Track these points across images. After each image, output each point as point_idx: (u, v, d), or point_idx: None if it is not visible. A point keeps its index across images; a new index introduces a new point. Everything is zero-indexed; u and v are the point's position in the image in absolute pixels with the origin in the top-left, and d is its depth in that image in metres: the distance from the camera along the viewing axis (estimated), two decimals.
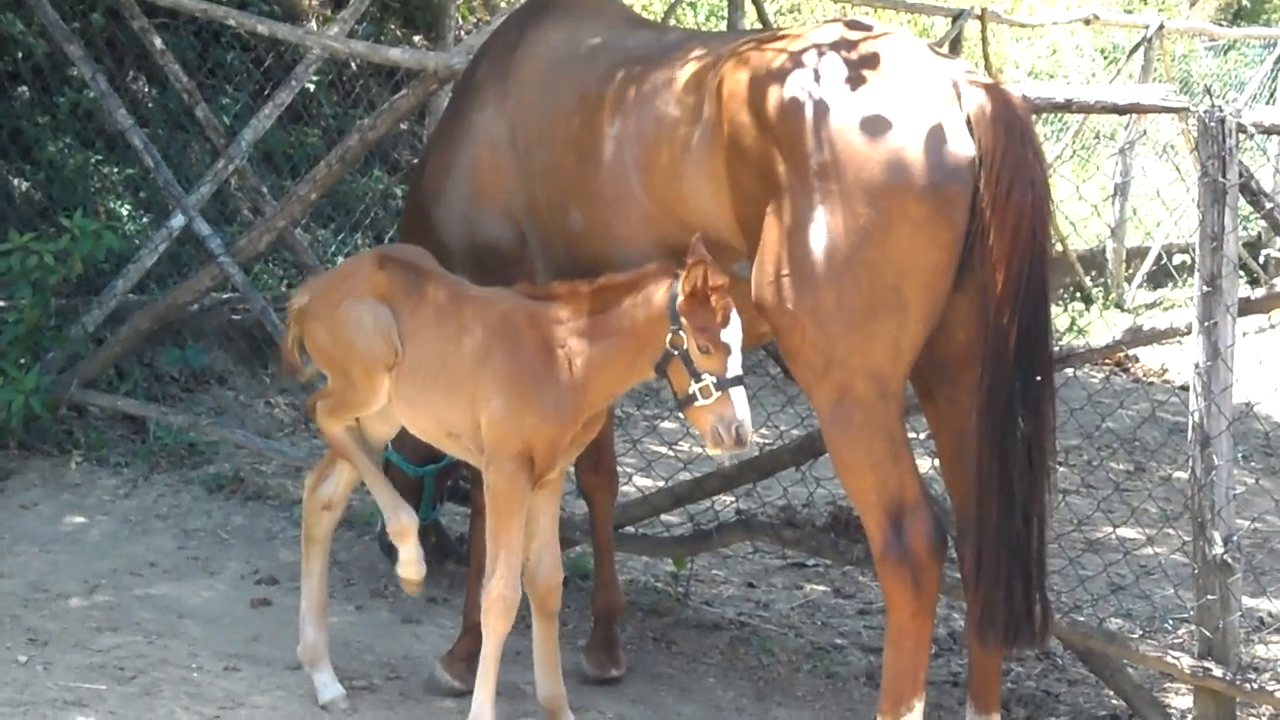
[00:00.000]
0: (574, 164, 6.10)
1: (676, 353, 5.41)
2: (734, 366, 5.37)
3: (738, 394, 5.36)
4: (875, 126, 5.25)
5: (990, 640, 5.50)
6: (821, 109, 5.33)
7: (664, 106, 5.83)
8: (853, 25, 5.67)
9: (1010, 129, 5.29)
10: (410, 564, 6.14)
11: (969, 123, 5.28)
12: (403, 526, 6.14)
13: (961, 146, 5.25)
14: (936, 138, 5.23)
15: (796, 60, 5.47)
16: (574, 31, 6.45)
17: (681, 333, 5.39)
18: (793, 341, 5.45)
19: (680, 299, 5.38)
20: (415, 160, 9.61)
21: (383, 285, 5.97)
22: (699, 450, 9.42)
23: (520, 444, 5.64)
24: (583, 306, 5.65)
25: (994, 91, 5.37)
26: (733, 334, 5.37)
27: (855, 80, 5.35)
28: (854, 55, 5.43)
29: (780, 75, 5.46)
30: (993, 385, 5.35)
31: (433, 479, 7.09)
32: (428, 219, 6.70)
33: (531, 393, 5.64)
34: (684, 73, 5.84)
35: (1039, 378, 5.39)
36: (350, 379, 6.03)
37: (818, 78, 5.39)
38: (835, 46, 5.48)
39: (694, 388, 5.39)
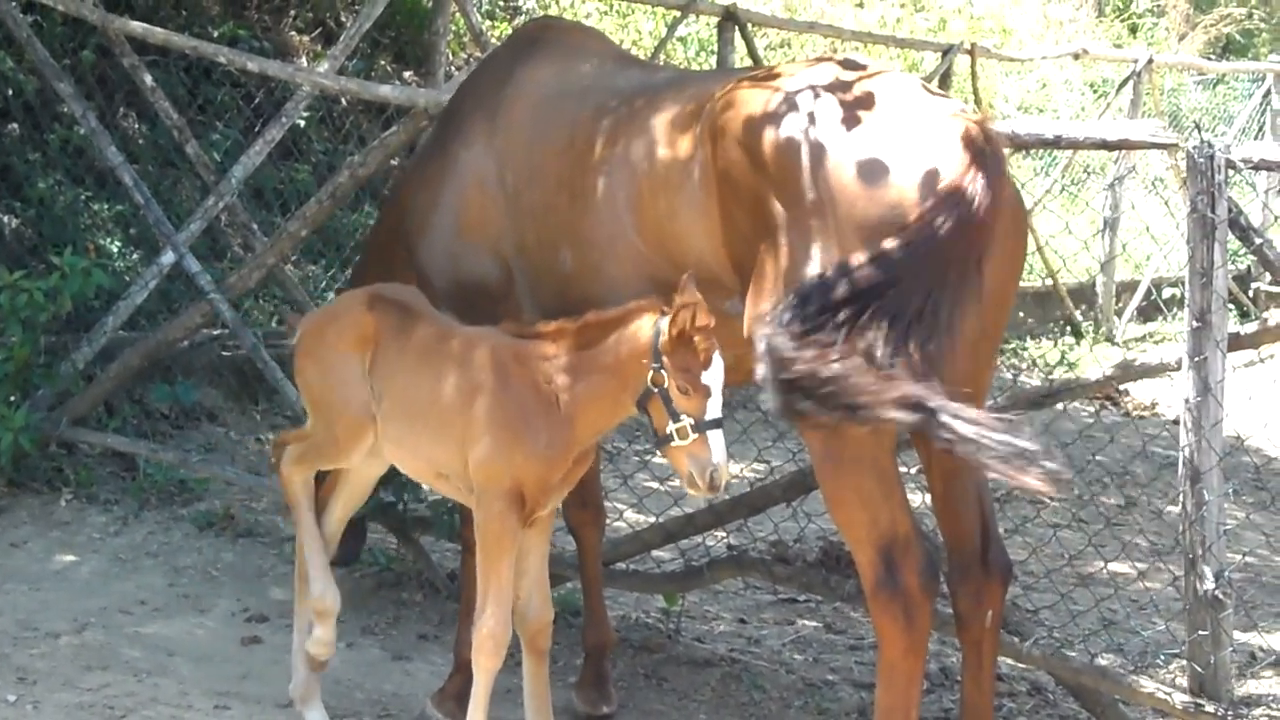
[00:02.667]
0: (565, 204, 6.10)
1: (657, 391, 5.37)
2: (713, 409, 5.33)
3: (715, 437, 5.32)
4: (865, 164, 5.24)
5: None
6: (813, 147, 5.33)
7: (656, 146, 5.83)
8: (845, 64, 5.66)
9: (977, 156, 5.23)
10: (323, 644, 6.26)
11: (953, 159, 5.27)
12: (325, 606, 6.25)
13: (948, 184, 5.24)
14: (926, 175, 5.22)
15: (788, 98, 5.47)
16: (564, 70, 6.46)
17: (663, 371, 5.36)
18: None
19: (664, 338, 5.35)
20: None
21: (370, 328, 6.01)
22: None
23: (510, 482, 5.63)
24: (569, 343, 5.63)
25: (975, 125, 5.36)
26: (714, 376, 5.33)
27: (847, 118, 5.35)
28: (846, 93, 5.42)
29: (772, 113, 5.46)
30: None
31: None
32: (410, 254, 6.71)
33: (520, 431, 5.63)
34: (676, 112, 5.84)
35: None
36: (332, 429, 6.08)
37: (809, 116, 5.39)
38: (827, 84, 5.47)
39: (671, 428, 5.35)
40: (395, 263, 6.90)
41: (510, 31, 14.50)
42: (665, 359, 5.35)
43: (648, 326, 5.43)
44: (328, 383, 6.11)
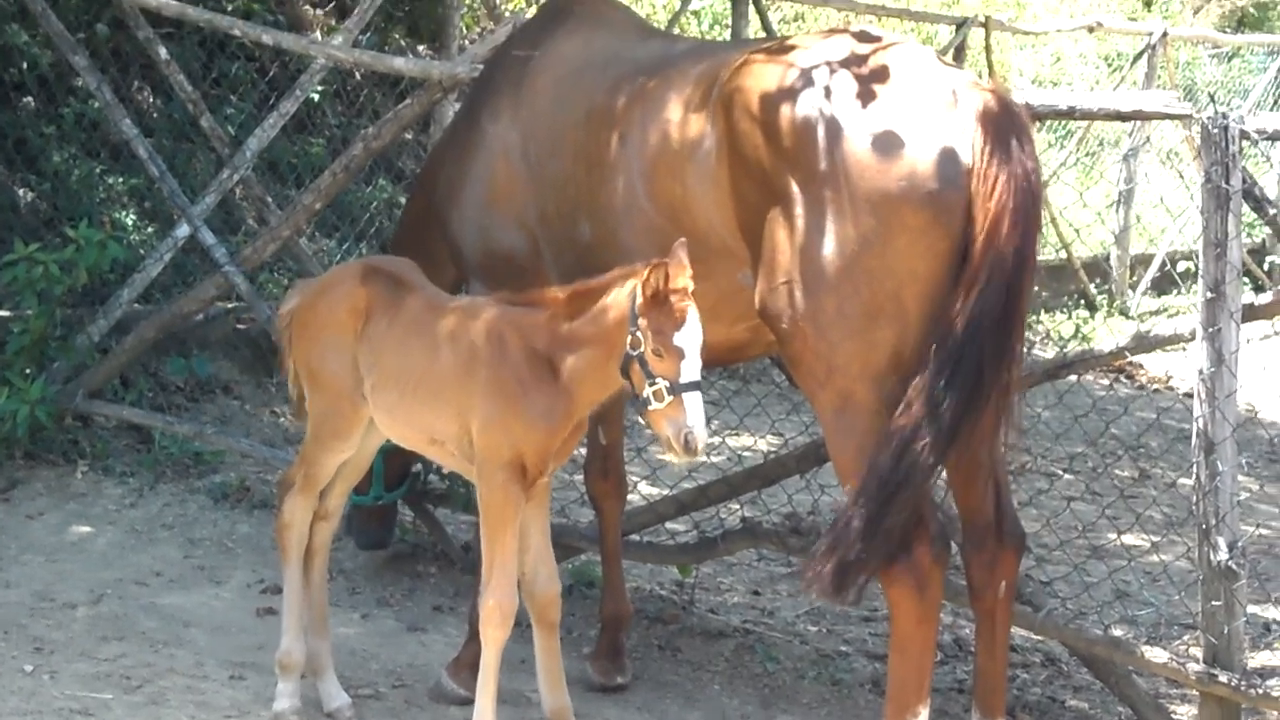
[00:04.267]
0: (583, 175, 6.13)
1: (635, 354, 5.35)
2: (688, 372, 5.28)
3: (691, 400, 5.27)
4: (879, 136, 5.25)
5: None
6: (823, 118, 5.33)
7: (669, 117, 5.85)
8: (859, 35, 5.66)
9: (999, 126, 5.27)
10: (284, 697, 6.20)
11: (966, 130, 5.28)
12: (291, 661, 6.20)
13: (960, 154, 5.25)
14: (935, 147, 5.23)
15: (800, 70, 5.48)
16: (587, 41, 6.49)
17: (639, 334, 5.34)
18: (794, 349, 5.46)
19: (640, 300, 5.34)
20: (419, 169, 9.68)
21: (363, 300, 6.02)
22: (704, 458, 9.43)
23: (510, 452, 5.63)
24: (560, 312, 5.62)
25: (991, 95, 5.37)
26: (688, 338, 5.28)
27: (860, 91, 5.35)
28: (857, 65, 5.43)
29: (783, 85, 5.47)
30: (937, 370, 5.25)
31: (381, 458, 7.07)
32: (443, 227, 6.75)
33: (518, 400, 5.62)
34: (689, 84, 5.86)
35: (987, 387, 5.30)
36: (337, 405, 6.07)
37: (821, 88, 5.39)
38: (840, 56, 5.47)
39: (648, 391, 5.31)
40: (429, 237, 6.93)
41: (524, 4, 14.49)
42: (641, 321, 5.33)
43: (627, 291, 5.42)
44: (323, 357, 6.11)
